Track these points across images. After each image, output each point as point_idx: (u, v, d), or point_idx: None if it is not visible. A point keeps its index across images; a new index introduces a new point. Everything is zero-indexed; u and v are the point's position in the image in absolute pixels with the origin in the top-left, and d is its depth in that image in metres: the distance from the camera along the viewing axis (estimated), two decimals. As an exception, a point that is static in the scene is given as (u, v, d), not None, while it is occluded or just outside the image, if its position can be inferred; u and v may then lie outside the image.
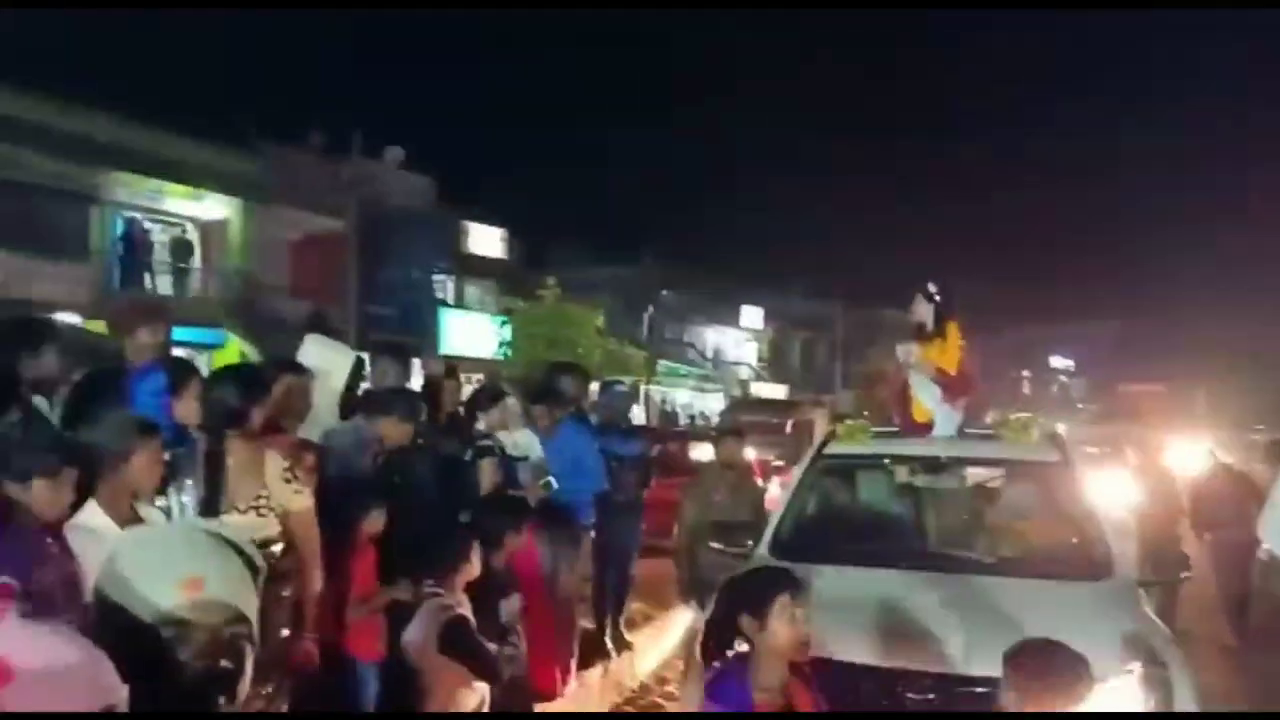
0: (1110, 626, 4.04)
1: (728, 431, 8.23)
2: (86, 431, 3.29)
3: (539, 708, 5.18)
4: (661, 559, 9.27)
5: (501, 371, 19.38)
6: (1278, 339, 40.50)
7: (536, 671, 5.11)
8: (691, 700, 4.00)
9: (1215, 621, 8.19)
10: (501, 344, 24.45)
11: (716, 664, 2.93)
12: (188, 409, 3.71)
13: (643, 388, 25.43)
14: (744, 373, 42.74)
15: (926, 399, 5.81)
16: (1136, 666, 3.78)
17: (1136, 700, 3.71)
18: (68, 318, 13.36)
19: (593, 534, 6.67)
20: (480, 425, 5.93)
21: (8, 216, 18.40)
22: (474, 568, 3.89)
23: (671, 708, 6.49)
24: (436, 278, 28.56)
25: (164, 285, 22.49)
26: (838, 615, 3.89)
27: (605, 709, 6.64)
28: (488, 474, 5.33)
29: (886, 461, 5.98)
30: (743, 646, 2.89)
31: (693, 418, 32.16)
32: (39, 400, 3.61)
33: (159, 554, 1.52)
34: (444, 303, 28.45)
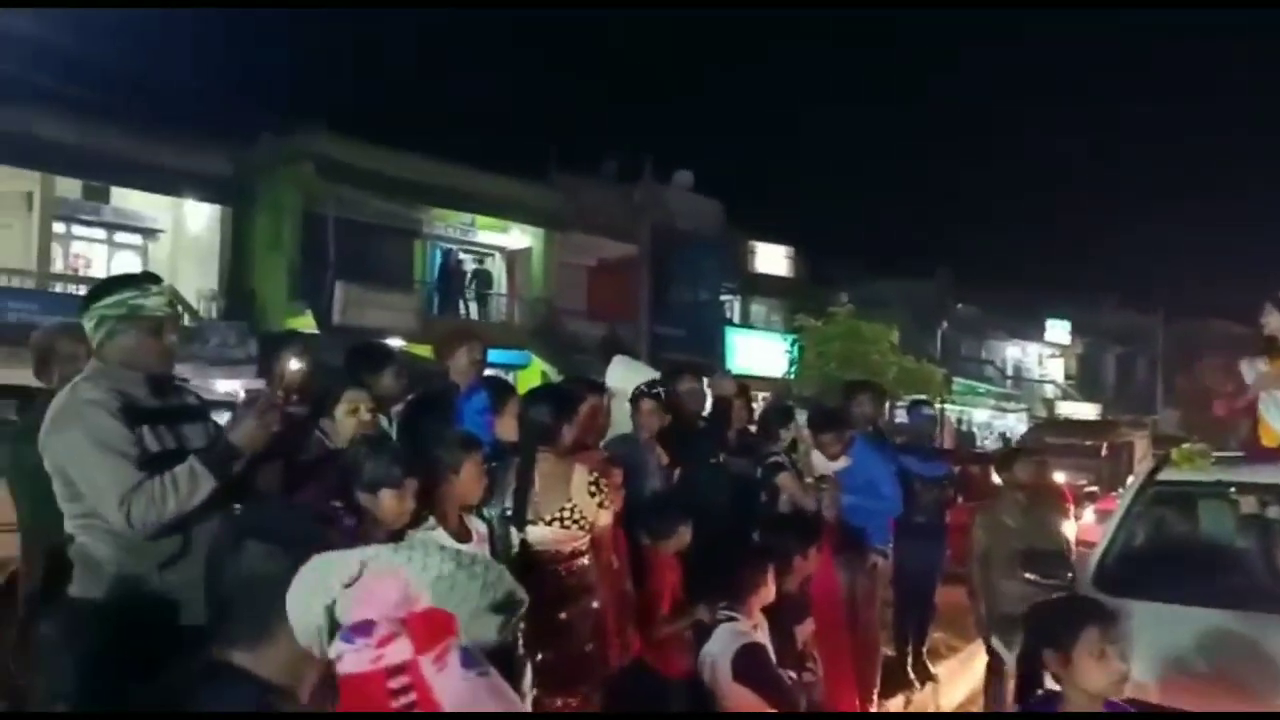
0: None
1: (1022, 451, 7.68)
2: (421, 446, 3.55)
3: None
4: (964, 587, 8.81)
5: (792, 389, 19.28)
6: None
7: (835, 699, 4.98)
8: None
9: None
10: (791, 362, 24.34)
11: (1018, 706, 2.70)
12: (507, 426, 3.93)
13: (938, 407, 24.42)
14: (1049, 391, 40.03)
15: (1278, 422, 5.15)
16: None
17: None
18: (395, 342, 14.72)
19: (889, 558, 6.43)
20: (773, 444, 5.88)
21: (347, 252, 20.62)
22: (770, 592, 3.83)
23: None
24: (723, 297, 28.94)
25: (475, 311, 24.28)
26: (1171, 657, 3.52)
27: (908, 742, 6.38)
28: (785, 490, 5.27)
29: (1231, 490, 5.35)
30: (1053, 685, 2.65)
31: (1004, 438, 30.46)
32: (379, 417, 3.95)
33: (479, 585, 1.53)
34: (730, 322, 28.78)
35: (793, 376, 23.73)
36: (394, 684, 1.29)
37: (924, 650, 7.06)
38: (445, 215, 23.34)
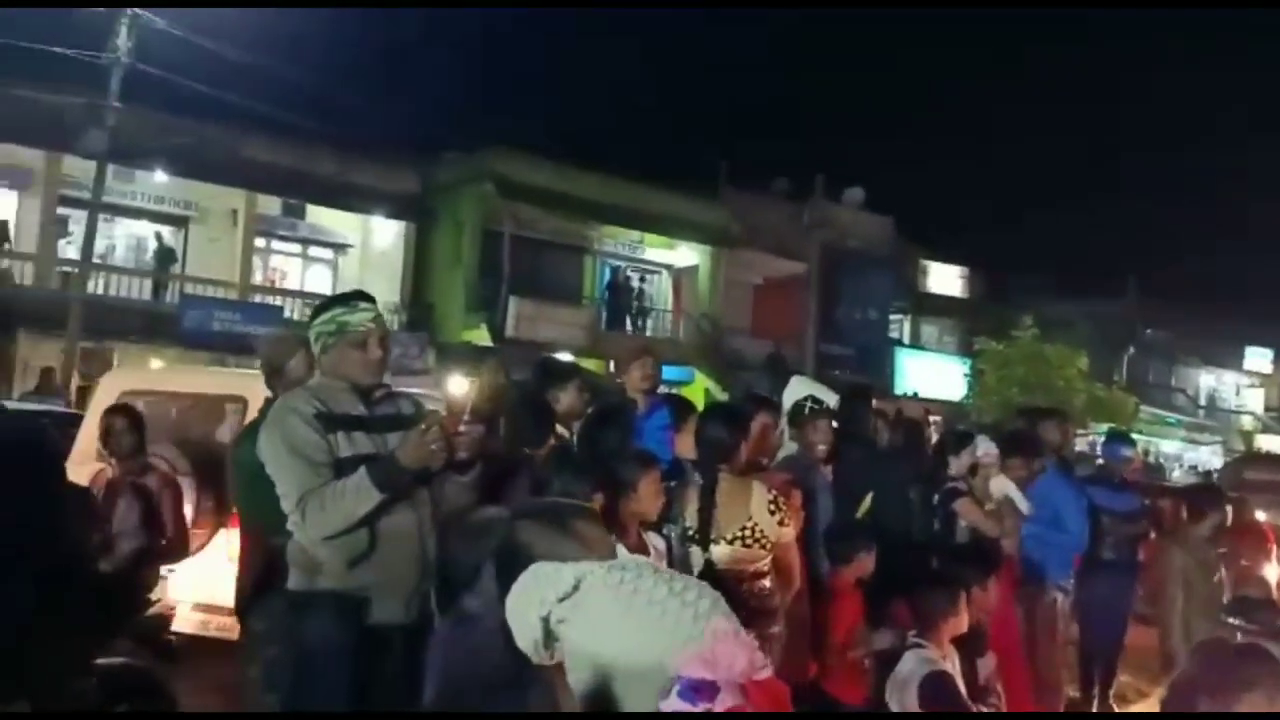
0: None
1: (1223, 488, 7.17)
2: (601, 461, 3.62)
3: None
4: (1155, 628, 8.29)
5: (969, 414, 18.67)
6: None
7: (1018, 738, 4.77)
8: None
9: None
10: (969, 386, 23.52)
11: None
12: (687, 444, 3.96)
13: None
14: (1247, 422, 37.26)
15: None
16: None
17: None
18: (565, 357, 15.08)
19: (1070, 594, 6.13)
20: (950, 469, 5.70)
21: (521, 267, 21.29)
22: (961, 622, 3.71)
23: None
24: (893, 317, 28.30)
25: (642, 327, 24.59)
26: None
27: (1092, 790, 6.06)
28: (964, 517, 5.11)
29: None
30: None
31: (1197, 471, 28.56)
32: (562, 432, 4.06)
33: (691, 614, 1.53)
34: (900, 342, 28.11)
35: (970, 401, 22.93)
36: None
37: (1110, 694, 6.68)
38: (615, 232, 23.78)
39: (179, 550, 4.84)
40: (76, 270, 16.91)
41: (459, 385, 3.01)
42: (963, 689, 3.76)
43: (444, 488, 3.11)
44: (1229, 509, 6.95)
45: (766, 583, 3.66)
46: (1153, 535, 8.27)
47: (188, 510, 4.93)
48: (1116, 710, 6.73)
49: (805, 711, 2.87)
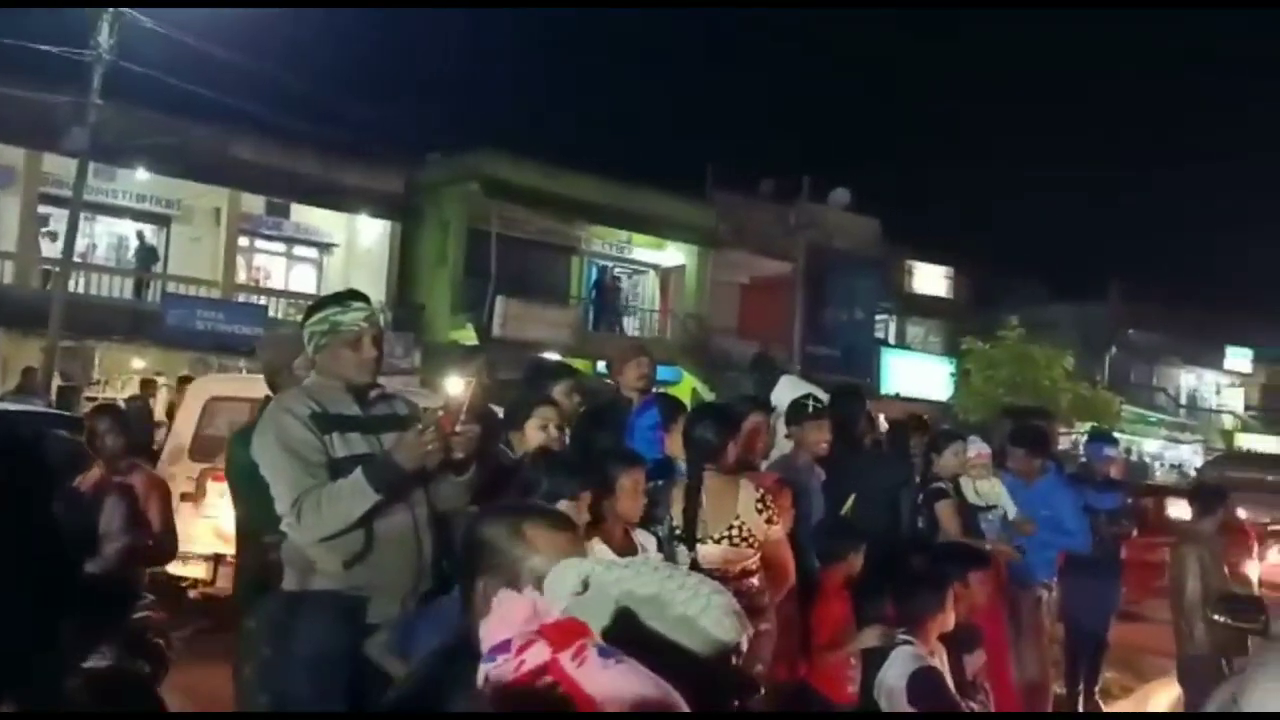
0: None
1: (1207, 488, 7.22)
2: (591, 460, 3.62)
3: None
4: (1140, 625, 8.38)
5: (955, 414, 18.78)
6: None
7: (1004, 734, 4.80)
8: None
9: None
10: (955, 386, 23.67)
11: None
12: (677, 442, 3.97)
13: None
14: (1228, 422, 37.55)
15: None
16: None
17: None
18: (552, 356, 15.06)
19: (1054, 592, 6.17)
20: (935, 468, 5.73)
21: (508, 267, 21.26)
22: (949, 618, 3.74)
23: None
24: (879, 318, 28.41)
25: (629, 327, 24.60)
26: None
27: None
28: (943, 521, 5.14)
29: None
30: None
31: (1179, 470, 28.80)
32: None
33: (705, 596, 1.60)
34: (885, 343, 28.21)
35: (955, 401, 23.06)
36: (540, 684, 1.37)
37: (1095, 690, 6.74)
38: (602, 232, 23.79)
39: (167, 551, 4.81)
40: (57, 269, 16.79)
41: (455, 385, 3.00)
42: (951, 685, 3.78)
43: (440, 488, 3.11)
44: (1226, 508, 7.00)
45: (755, 581, 3.68)
46: (1135, 533, 8.34)
47: None
48: (1104, 707, 6.78)
49: (808, 712, 2.91)
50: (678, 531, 3.75)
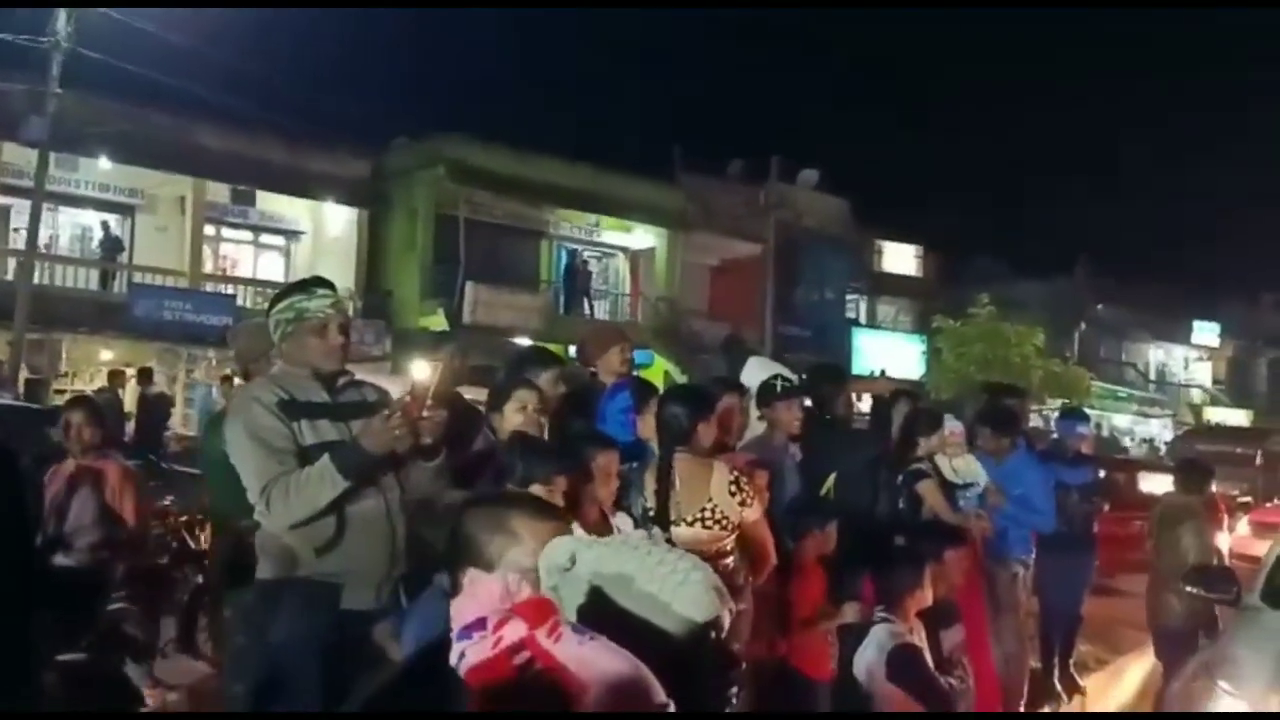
0: None
1: (1196, 465, 7.31)
2: (567, 444, 3.60)
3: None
4: (1113, 599, 8.49)
5: (928, 392, 18.91)
6: None
7: (983, 708, 4.85)
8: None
9: None
10: (927, 364, 23.84)
11: None
12: (650, 425, 3.95)
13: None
14: (1196, 396, 38.06)
15: None
16: None
17: None
18: (523, 341, 15.01)
19: (1030, 568, 6.22)
20: (919, 450, 5.74)
21: (478, 253, 21.15)
22: (926, 595, 3.76)
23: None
24: (849, 297, 28.51)
25: (600, 310, 24.54)
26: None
27: (1055, 756, 6.19)
28: (926, 499, 5.16)
29: None
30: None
31: (1150, 444, 29.20)
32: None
33: (684, 572, 1.60)
34: (856, 322, 28.33)
35: (928, 379, 23.22)
36: (517, 660, 1.38)
37: (1070, 663, 6.82)
38: (571, 216, 23.69)
39: (140, 544, 4.75)
40: (21, 260, 16.50)
41: (421, 369, 2.97)
42: (929, 661, 3.80)
43: (411, 473, 3.08)
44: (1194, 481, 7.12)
45: (730, 561, 3.67)
46: (1107, 508, 8.43)
47: None
48: (1079, 680, 6.86)
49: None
50: (650, 514, 3.73)
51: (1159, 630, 6.09)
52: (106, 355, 18.16)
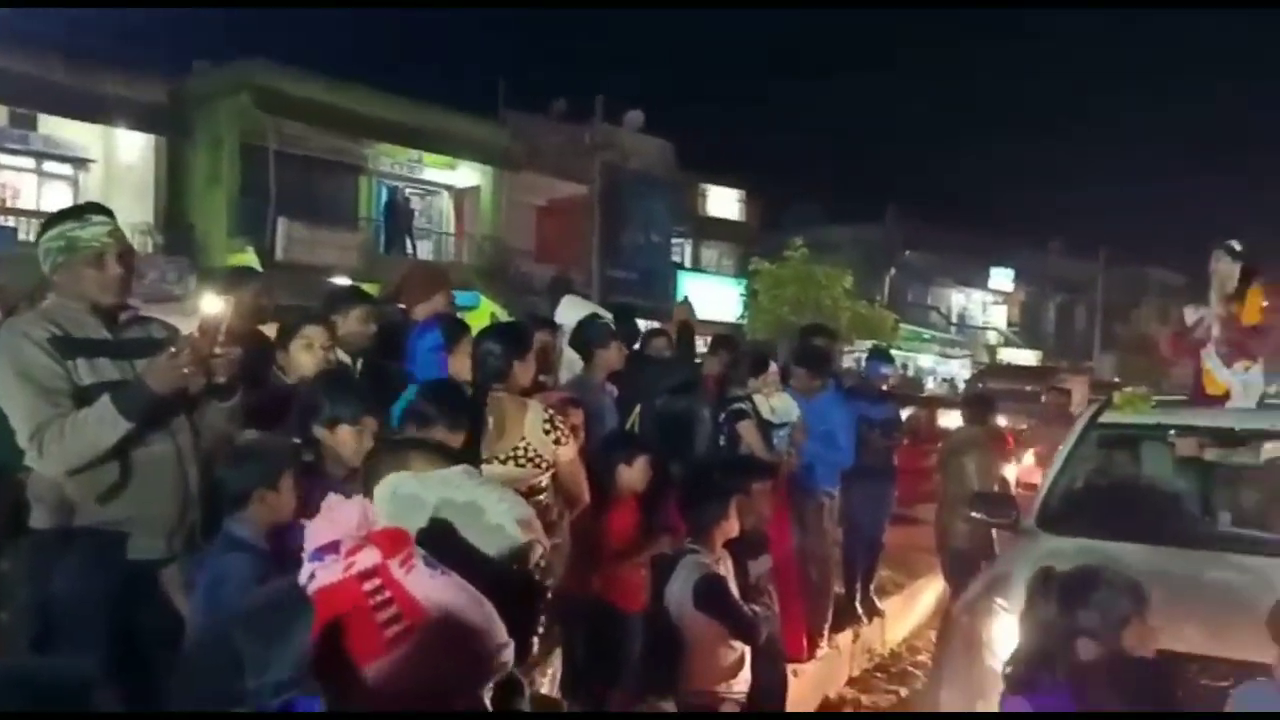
0: None
1: (979, 398, 7.84)
2: (382, 385, 3.50)
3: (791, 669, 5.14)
4: (911, 527, 9.03)
5: (745, 333, 19.40)
6: None
7: (786, 634, 5.08)
8: (955, 678, 3.85)
9: None
10: (744, 306, 24.47)
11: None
12: (461, 364, 3.88)
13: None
14: (992, 337, 40.74)
15: (1221, 371, 5.27)
16: None
17: None
18: (341, 281, 14.47)
19: (836, 499, 6.55)
20: (747, 389, 5.90)
21: (291, 187, 20.15)
22: (733, 526, 3.87)
23: (922, 676, 6.30)
24: (674, 241, 28.86)
25: (423, 250, 23.92)
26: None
27: (855, 674, 6.56)
28: (745, 438, 5.33)
29: (1171, 433, 5.50)
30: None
31: (950, 383, 31.04)
32: (345, 358, 3.90)
33: (495, 497, 1.67)
34: (681, 265, 28.75)
35: (745, 320, 23.86)
36: (368, 586, 1.40)
37: (870, 588, 7.22)
38: (391, 151, 22.88)
39: None
40: None
41: (212, 304, 2.79)
42: (735, 590, 3.93)
43: (205, 414, 2.93)
44: (978, 414, 7.66)
45: (543, 498, 3.67)
46: (907, 442, 8.93)
47: None
48: (878, 604, 7.28)
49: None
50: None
51: (947, 553, 6.51)
52: None
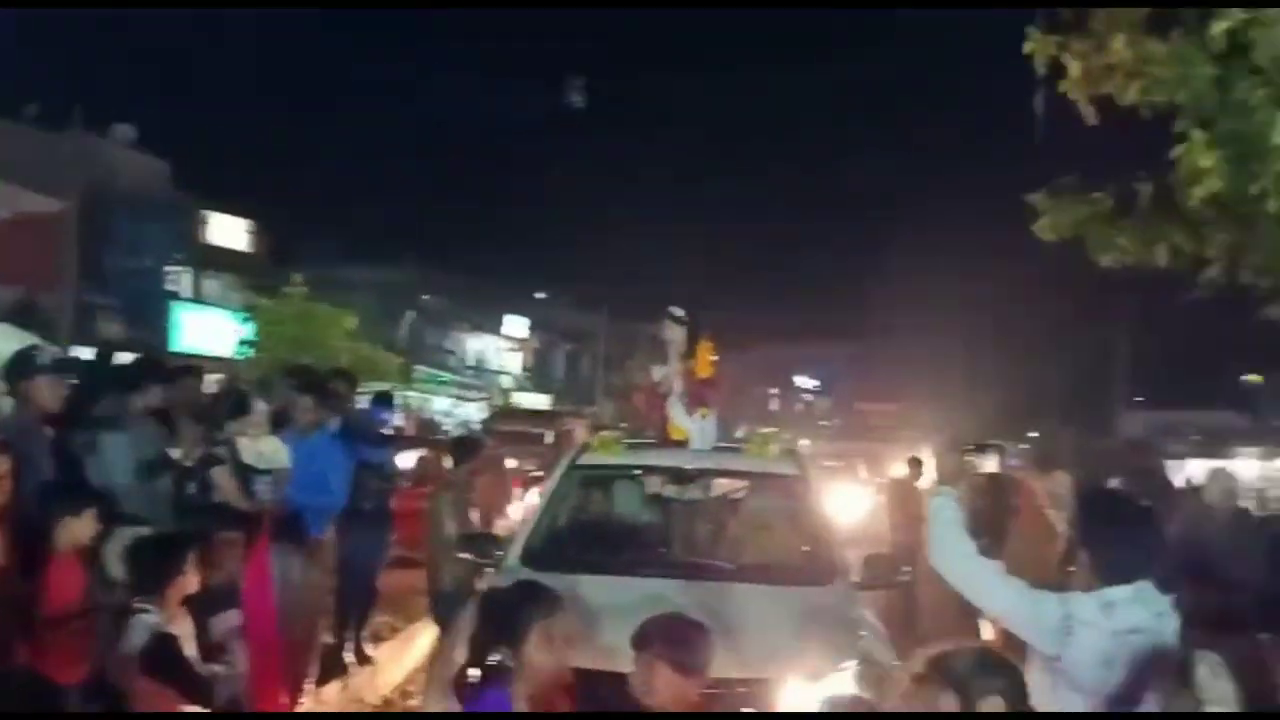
0: (828, 628, 4.31)
1: (462, 442, 8.14)
2: None
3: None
4: (411, 570, 8.99)
5: (241, 372, 18.30)
6: (989, 363, 43.93)
7: (260, 690, 4.78)
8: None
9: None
10: (243, 342, 23.03)
11: (473, 673, 2.80)
12: None
13: (400, 395, 24.71)
14: (506, 382, 42.54)
15: (682, 419, 5.94)
16: (851, 664, 3.98)
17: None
18: None
19: (332, 544, 6.35)
20: (231, 431, 5.50)
21: None
22: (190, 582, 3.55)
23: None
24: (171, 269, 26.51)
25: None
26: (588, 624, 3.86)
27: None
28: (220, 487, 4.99)
29: (637, 472, 6.06)
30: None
31: (466, 425, 31.67)
32: None
33: None
34: (177, 296, 26.48)
35: (243, 357, 22.50)
36: None
37: (361, 635, 7.07)
38: None
39: None
40: None
41: None
42: (193, 650, 3.61)
43: None
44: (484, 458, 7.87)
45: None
46: (409, 485, 8.94)
47: None
48: (372, 651, 7.12)
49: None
50: None
51: (434, 594, 6.58)
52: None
